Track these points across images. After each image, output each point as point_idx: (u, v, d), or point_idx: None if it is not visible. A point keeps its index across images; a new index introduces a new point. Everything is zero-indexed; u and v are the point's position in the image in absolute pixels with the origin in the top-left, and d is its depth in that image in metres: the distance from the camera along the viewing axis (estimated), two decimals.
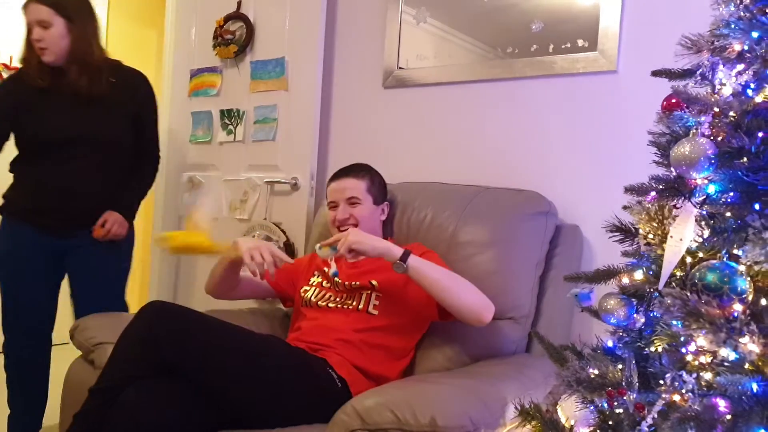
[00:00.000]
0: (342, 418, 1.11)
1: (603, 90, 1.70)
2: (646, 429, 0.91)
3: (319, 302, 1.60)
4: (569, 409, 1.08)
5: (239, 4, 2.36)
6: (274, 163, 2.24)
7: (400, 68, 2.08)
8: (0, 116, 1.86)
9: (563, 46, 1.75)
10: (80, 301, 1.94)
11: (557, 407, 1.13)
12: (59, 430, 1.55)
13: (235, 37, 2.35)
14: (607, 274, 1.08)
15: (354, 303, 1.55)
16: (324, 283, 1.64)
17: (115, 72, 1.91)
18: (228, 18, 2.37)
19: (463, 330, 1.50)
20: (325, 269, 1.62)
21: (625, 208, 1.10)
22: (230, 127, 2.38)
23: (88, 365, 1.53)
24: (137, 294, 3.89)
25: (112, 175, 1.91)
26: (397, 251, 1.40)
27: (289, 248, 2.14)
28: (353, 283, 1.57)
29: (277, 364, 1.34)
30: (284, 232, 2.16)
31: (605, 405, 0.99)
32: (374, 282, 1.55)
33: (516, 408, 1.09)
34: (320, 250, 1.44)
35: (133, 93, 1.94)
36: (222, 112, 2.40)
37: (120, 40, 3.72)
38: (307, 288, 1.66)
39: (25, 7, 1.80)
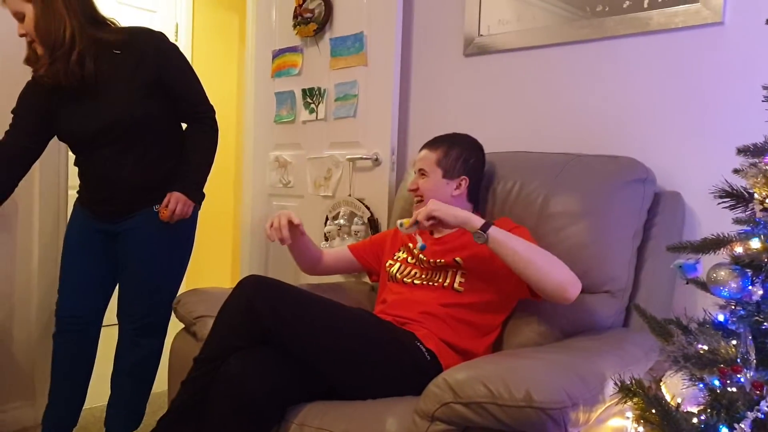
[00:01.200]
0: (434, 391, 1.11)
1: (706, 45, 1.56)
2: (766, 409, 0.85)
3: (405, 278, 1.60)
4: (675, 387, 1.02)
5: None
6: (356, 140, 2.25)
7: (481, 35, 2.01)
8: (30, 120, 1.77)
9: (659, 0, 1.63)
10: (123, 288, 1.85)
11: (661, 384, 1.08)
12: (168, 396, 1.66)
13: (314, 15, 2.36)
14: (717, 243, 1.01)
15: (440, 279, 1.54)
16: (409, 259, 1.64)
17: (120, 42, 1.69)
18: None
19: (555, 304, 1.46)
20: (410, 245, 1.62)
21: (736, 171, 1.02)
22: (312, 105, 2.41)
23: (191, 337, 1.61)
24: (230, 270, 4.09)
25: (146, 157, 1.76)
26: (478, 221, 1.37)
27: (373, 224, 2.16)
28: (438, 260, 1.56)
29: (366, 336, 1.36)
30: (368, 208, 2.17)
31: (717, 383, 0.93)
32: (459, 259, 1.53)
33: (616, 384, 1.05)
34: (402, 228, 1.44)
35: (141, 57, 1.70)
36: (304, 91, 2.44)
37: (204, 25, 3.86)
38: (392, 263, 1.67)
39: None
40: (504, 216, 1.62)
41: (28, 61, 1.70)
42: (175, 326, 1.74)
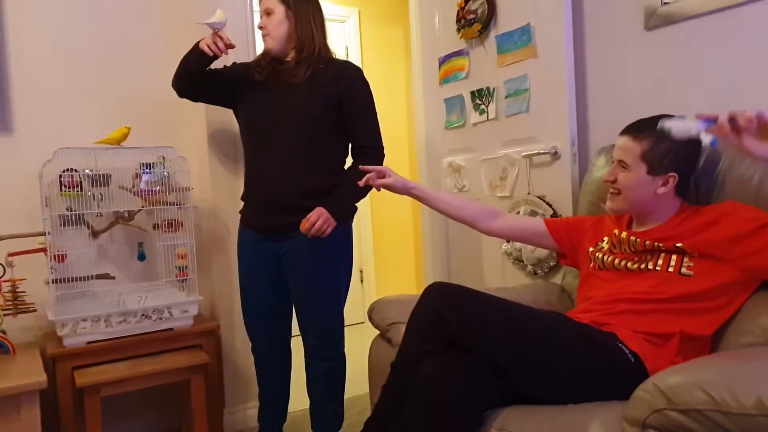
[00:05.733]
0: (643, 396, 1.02)
1: None
2: None
3: (616, 264, 1.48)
4: None
5: None
6: (531, 135, 2.18)
7: (665, 3, 1.82)
8: (223, 75, 1.98)
9: None
10: (296, 307, 1.96)
11: None
12: (370, 398, 1.75)
13: (477, 16, 2.34)
14: None
15: (661, 263, 1.40)
16: (614, 249, 1.52)
17: (326, 62, 1.91)
18: None
19: None
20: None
21: None
22: (482, 106, 2.38)
23: (386, 342, 1.68)
24: (414, 277, 4.21)
25: (308, 162, 1.86)
26: None
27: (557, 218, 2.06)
28: (656, 243, 1.41)
29: (561, 340, 1.30)
30: (550, 205, 2.08)
31: None
32: (680, 244, 1.37)
33: None
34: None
35: (336, 75, 1.88)
36: (473, 93, 2.42)
37: (371, 41, 4.05)
38: (594, 249, 1.57)
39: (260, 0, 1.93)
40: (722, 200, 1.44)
41: (258, 56, 1.99)
42: (371, 333, 1.82)
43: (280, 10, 1.88)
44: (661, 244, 1.40)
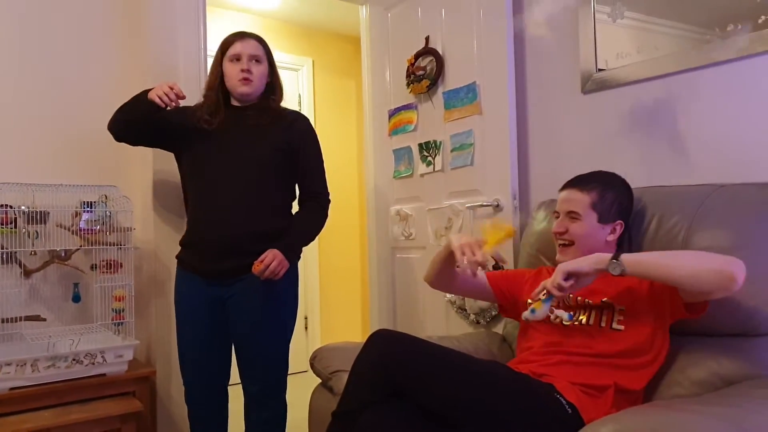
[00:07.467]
0: None
1: None
2: None
3: (551, 319, 1.52)
4: None
5: (427, 40, 2.45)
6: (475, 188, 2.25)
7: (600, 70, 1.96)
8: (166, 121, 1.92)
9: None
10: (238, 353, 1.92)
11: None
12: None
13: (426, 72, 2.44)
14: None
15: (594, 318, 1.46)
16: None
17: (279, 109, 1.97)
18: (418, 55, 2.47)
19: (712, 349, 1.32)
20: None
21: None
22: (429, 158, 2.45)
23: (328, 392, 1.66)
24: (360, 324, 4.17)
25: (259, 206, 1.86)
26: (606, 255, 1.32)
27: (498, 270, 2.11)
28: (586, 300, 1.47)
29: (502, 389, 1.31)
30: (492, 256, 2.14)
31: None
32: (606, 299, 1.44)
33: None
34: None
35: (287, 125, 1.93)
36: (420, 145, 2.50)
37: (324, 92, 4.12)
38: (531, 302, 1.60)
39: (240, 38, 1.90)
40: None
41: (206, 95, 1.94)
42: (313, 382, 1.78)
43: (265, 62, 1.93)
44: (590, 301, 1.46)
